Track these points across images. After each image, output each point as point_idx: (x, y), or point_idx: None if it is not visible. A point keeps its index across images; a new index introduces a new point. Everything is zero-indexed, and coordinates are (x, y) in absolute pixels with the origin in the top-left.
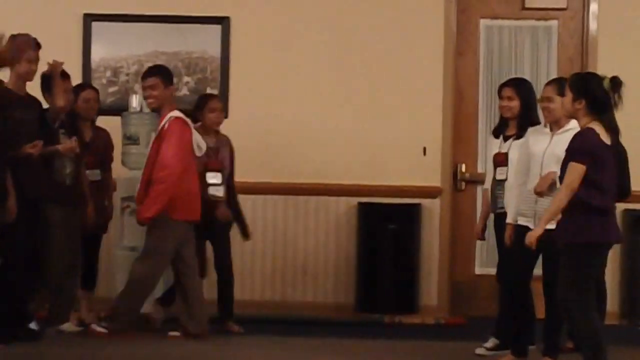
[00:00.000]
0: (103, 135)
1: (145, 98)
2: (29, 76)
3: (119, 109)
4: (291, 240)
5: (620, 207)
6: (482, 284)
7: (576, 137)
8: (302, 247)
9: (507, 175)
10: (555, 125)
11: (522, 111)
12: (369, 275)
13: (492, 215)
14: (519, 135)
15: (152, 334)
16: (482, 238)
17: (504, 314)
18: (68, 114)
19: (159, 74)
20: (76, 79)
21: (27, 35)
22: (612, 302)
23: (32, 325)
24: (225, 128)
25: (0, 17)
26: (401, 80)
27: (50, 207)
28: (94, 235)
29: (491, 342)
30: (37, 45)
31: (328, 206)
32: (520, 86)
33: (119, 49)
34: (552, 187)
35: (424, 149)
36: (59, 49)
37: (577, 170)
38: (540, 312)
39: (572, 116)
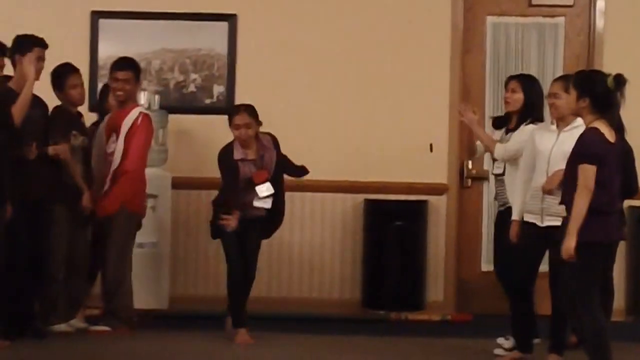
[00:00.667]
0: None
1: (114, 89)
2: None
3: None
4: (297, 236)
5: (625, 204)
6: (488, 281)
7: (582, 139)
8: (309, 243)
9: (504, 169)
10: (561, 122)
11: (524, 106)
12: (375, 272)
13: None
14: (515, 128)
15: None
16: None
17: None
18: (100, 110)
19: (133, 69)
20: (83, 77)
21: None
22: (618, 299)
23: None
24: None
25: (8, 14)
26: (408, 77)
27: (56, 207)
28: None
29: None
30: (43, 44)
31: (334, 203)
32: (526, 81)
33: (126, 47)
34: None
35: (431, 145)
36: (67, 46)
37: (589, 171)
38: (546, 308)
39: (576, 114)
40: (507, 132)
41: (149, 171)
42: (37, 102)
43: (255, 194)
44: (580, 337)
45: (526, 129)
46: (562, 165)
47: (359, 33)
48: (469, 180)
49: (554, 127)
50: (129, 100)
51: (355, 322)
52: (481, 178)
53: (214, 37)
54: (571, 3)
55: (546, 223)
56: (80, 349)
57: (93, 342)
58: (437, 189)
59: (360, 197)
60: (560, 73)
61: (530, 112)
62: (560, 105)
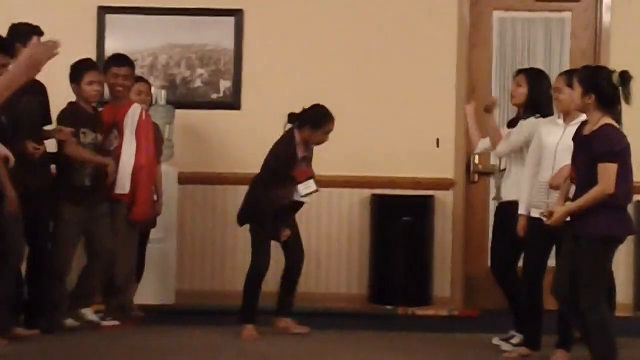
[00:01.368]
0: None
1: (114, 85)
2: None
3: None
4: (304, 231)
5: None
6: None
7: (603, 138)
8: (316, 238)
9: (505, 165)
10: (567, 116)
11: (528, 100)
12: (383, 267)
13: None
14: (517, 122)
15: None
16: None
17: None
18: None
19: (132, 66)
20: None
21: (28, 25)
22: (626, 294)
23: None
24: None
25: (15, 9)
26: (415, 72)
27: (65, 205)
28: (144, 230)
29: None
30: (40, 32)
31: (342, 198)
32: (532, 76)
33: (133, 42)
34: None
35: (437, 140)
36: (73, 41)
37: (612, 171)
38: (553, 304)
39: (581, 110)
40: (509, 126)
41: None
42: (35, 89)
43: (296, 189)
44: (582, 333)
45: (525, 124)
46: (569, 160)
47: (366, 28)
48: (476, 176)
49: (560, 121)
50: (126, 98)
51: (362, 318)
52: (488, 173)
53: (220, 33)
54: None
55: None
56: (89, 344)
57: (100, 337)
58: (444, 184)
59: (367, 193)
60: (566, 68)
61: (534, 106)
62: (562, 100)
